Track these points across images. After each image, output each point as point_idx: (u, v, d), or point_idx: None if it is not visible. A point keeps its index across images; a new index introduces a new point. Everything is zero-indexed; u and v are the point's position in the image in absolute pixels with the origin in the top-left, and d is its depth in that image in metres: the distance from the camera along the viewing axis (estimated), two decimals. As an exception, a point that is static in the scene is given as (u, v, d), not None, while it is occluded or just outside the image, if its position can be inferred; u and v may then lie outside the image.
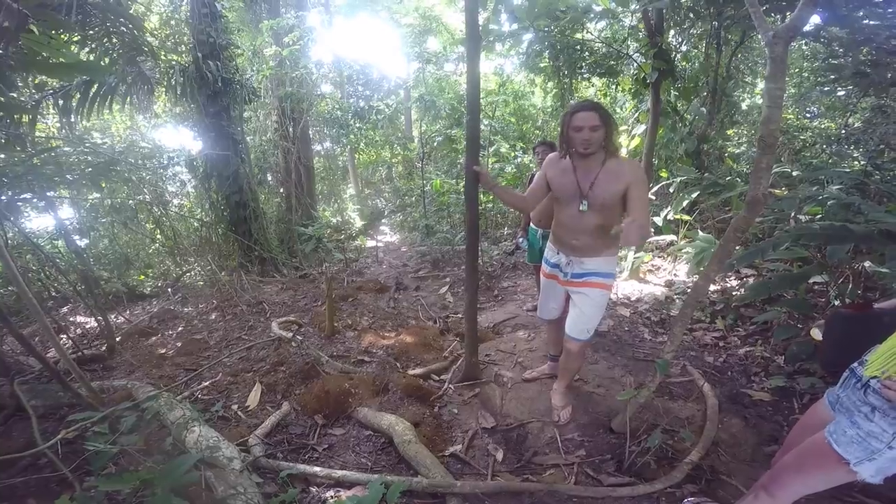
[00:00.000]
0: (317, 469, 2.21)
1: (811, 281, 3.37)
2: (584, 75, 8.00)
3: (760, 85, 8.35)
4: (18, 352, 4.07)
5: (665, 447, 2.42)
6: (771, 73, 1.77)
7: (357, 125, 9.40)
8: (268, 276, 6.84)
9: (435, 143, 9.38)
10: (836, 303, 3.10)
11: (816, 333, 1.85)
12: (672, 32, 6.55)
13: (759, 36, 1.88)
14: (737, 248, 3.07)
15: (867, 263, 3.19)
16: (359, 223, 10.40)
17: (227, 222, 6.94)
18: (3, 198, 3.53)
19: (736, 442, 2.52)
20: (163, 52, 6.57)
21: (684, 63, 6.68)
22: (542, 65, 7.85)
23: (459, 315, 4.83)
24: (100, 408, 2.45)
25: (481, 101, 10.03)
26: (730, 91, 6.74)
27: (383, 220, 11.78)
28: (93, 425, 1.58)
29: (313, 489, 2.15)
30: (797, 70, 8.72)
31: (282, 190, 9.33)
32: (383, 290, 5.90)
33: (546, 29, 6.84)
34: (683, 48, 6.99)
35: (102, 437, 1.33)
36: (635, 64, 6.02)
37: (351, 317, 4.66)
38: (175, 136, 9.06)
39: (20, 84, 4.01)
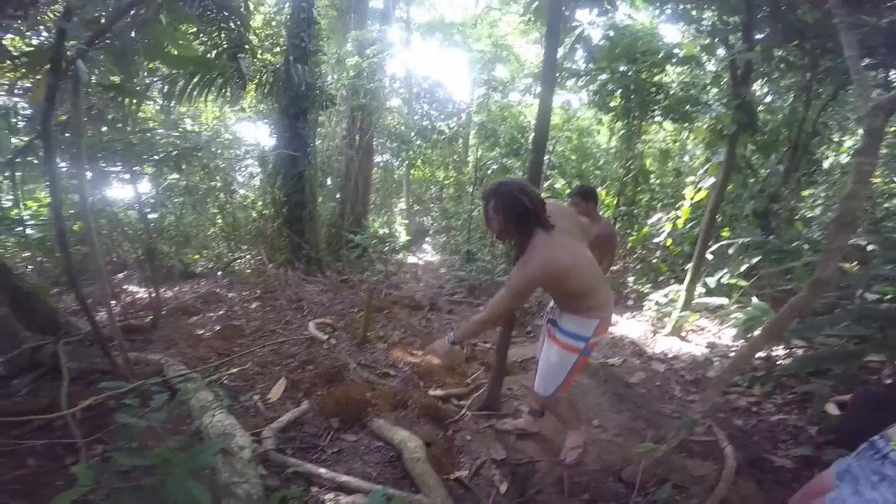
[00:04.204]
0: (322, 470, 2.25)
1: (865, 359, 3.19)
2: (657, 119, 7.81)
3: (848, 143, 7.63)
4: (69, 311, 4.38)
5: (672, 502, 2.36)
6: (863, 147, 1.69)
7: (418, 142, 9.63)
8: (311, 275, 7.06)
9: (490, 171, 9.46)
10: (889, 381, 2.93)
11: (832, 408, 1.91)
12: (759, 83, 6.28)
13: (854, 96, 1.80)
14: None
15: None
16: (403, 238, 10.56)
17: (284, 218, 7.24)
18: (98, 169, 3.84)
19: None
20: (260, 52, 7.00)
21: (767, 115, 6.35)
22: (612, 104, 7.66)
23: (487, 345, 4.80)
24: (131, 379, 2.58)
25: None
26: (813, 148, 6.31)
27: (427, 239, 11.88)
28: (122, 397, 1.66)
29: (314, 489, 2.18)
30: (893, 129, 7.97)
31: (338, 195, 9.65)
32: (418, 307, 5.96)
33: (623, 70, 6.79)
34: (768, 99, 6.71)
35: (132, 411, 1.40)
36: (713, 113, 5.82)
37: (383, 329, 4.74)
38: (252, 131, 9.56)
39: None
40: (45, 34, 3.31)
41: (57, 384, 2.60)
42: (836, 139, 7.54)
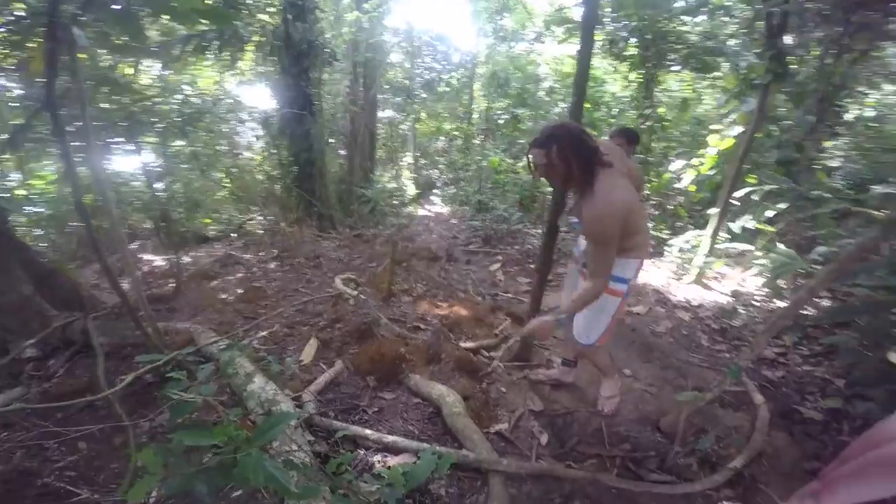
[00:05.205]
0: (368, 432, 2.26)
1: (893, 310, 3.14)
2: (674, 68, 7.60)
3: (875, 95, 7.59)
4: (90, 285, 4.37)
5: (710, 451, 2.40)
6: None
7: (423, 95, 9.36)
8: (325, 232, 7.03)
9: (500, 122, 9.16)
10: None
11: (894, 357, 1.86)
12: (791, 35, 6.11)
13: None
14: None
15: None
16: (412, 191, 10.44)
17: (294, 178, 7.20)
18: (102, 140, 3.76)
19: (778, 455, 2.47)
20: (255, 12, 6.74)
21: (800, 67, 6.19)
22: (627, 53, 7.48)
23: (510, 294, 4.79)
24: (164, 350, 2.57)
25: (554, 84, 9.73)
26: (840, 101, 6.21)
27: (435, 191, 11.76)
28: (164, 370, 1.62)
29: (361, 451, 2.20)
30: None
31: (342, 151, 9.49)
32: (435, 259, 5.91)
33: (642, 19, 6.58)
34: (799, 52, 6.50)
35: (179, 384, 1.35)
36: (743, 63, 5.65)
37: (406, 282, 4.70)
38: (252, 93, 9.36)
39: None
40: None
41: (91, 361, 2.60)
42: (863, 91, 7.37)
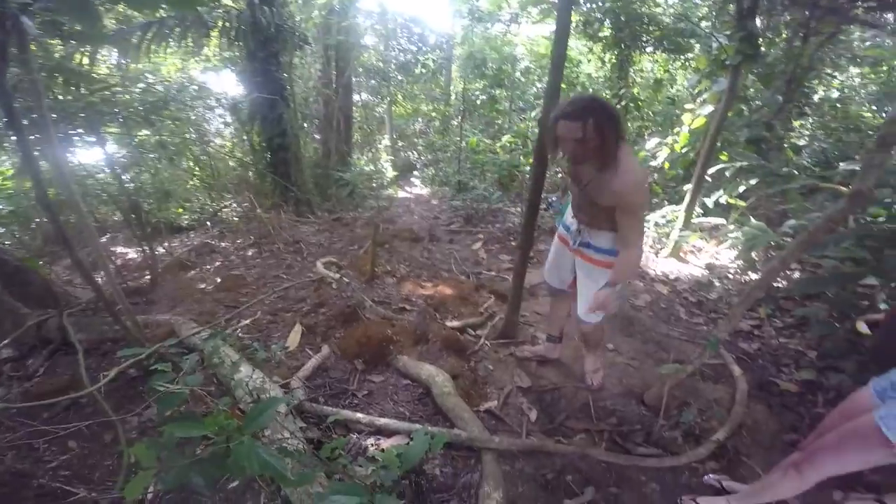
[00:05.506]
0: (360, 416, 2.26)
1: (860, 283, 3.26)
2: (647, 49, 7.74)
3: (840, 78, 8.10)
4: (63, 281, 4.23)
5: (693, 424, 2.47)
6: None
7: (399, 78, 9.22)
8: (303, 217, 6.93)
9: (478, 102, 9.10)
10: (883, 306, 2.99)
11: (863, 327, 1.99)
12: (761, 18, 6.24)
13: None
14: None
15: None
16: (391, 173, 10.35)
17: (267, 163, 7.08)
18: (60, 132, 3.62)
19: (758, 427, 2.56)
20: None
21: (769, 49, 6.40)
22: (601, 34, 7.57)
23: (493, 272, 4.80)
24: (146, 343, 2.51)
25: (530, 65, 9.69)
26: (807, 82, 6.50)
27: (414, 173, 11.69)
28: (148, 363, 1.58)
29: (353, 436, 2.20)
30: (885, 67, 8.15)
31: (317, 136, 9.34)
32: (417, 239, 5.89)
33: (616, 0, 6.65)
34: (768, 34, 6.65)
35: (165, 377, 1.31)
36: (714, 44, 5.74)
37: (389, 263, 4.67)
38: (219, 80, 9.12)
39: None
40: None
41: (71, 359, 2.53)
42: (830, 74, 7.79)
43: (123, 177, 5.15)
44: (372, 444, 2.14)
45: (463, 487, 2.00)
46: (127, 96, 4.83)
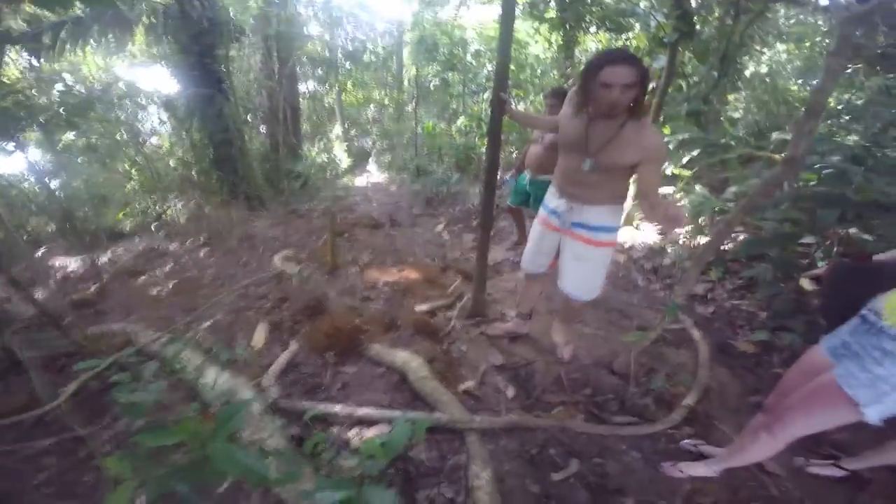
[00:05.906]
0: (338, 408, 2.20)
1: (798, 242, 3.46)
2: (591, 30, 7.87)
3: (768, 54, 8.68)
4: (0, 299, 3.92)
5: (663, 390, 2.53)
6: (836, 49, 1.77)
7: (348, 66, 9.00)
8: (255, 212, 6.70)
9: (431, 87, 9.01)
10: (820, 263, 3.17)
11: (806, 283, 1.92)
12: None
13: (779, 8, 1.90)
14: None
15: (853, 230, 3.26)
16: (346, 162, 10.13)
17: (211, 160, 6.78)
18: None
19: (724, 390, 2.63)
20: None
21: (704, 27, 6.61)
22: (547, 15, 7.67)
23: (457, 253, 4.80)
24: (102, 355, 2.36)
25: (480, 48, 9.66)
26: (739, 58, 6.80)
27: (370, 160, 11.51)
28: (108, 375, 1.48)
29: (334, 429, 2.15)
30: (808, 43, 8.76)
31: (262, 129, 9.03)
32: (377, 226, 5.82)
33: None
34: (702, 12, 6.90)
35: (127, 387, 1.23)
36: (653, 22, 5.94)
37: (350, 252, 4.59)
38: (150, 76, 8.69)
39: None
40: None
41: (24, 378, 2.35)
42: (759, 50, 8.27)
43: (52, 184, 4.79)
44: (354, 436, 2.10)
45: (451, 469, 1.99)
46: (44, 99, 4.49)
